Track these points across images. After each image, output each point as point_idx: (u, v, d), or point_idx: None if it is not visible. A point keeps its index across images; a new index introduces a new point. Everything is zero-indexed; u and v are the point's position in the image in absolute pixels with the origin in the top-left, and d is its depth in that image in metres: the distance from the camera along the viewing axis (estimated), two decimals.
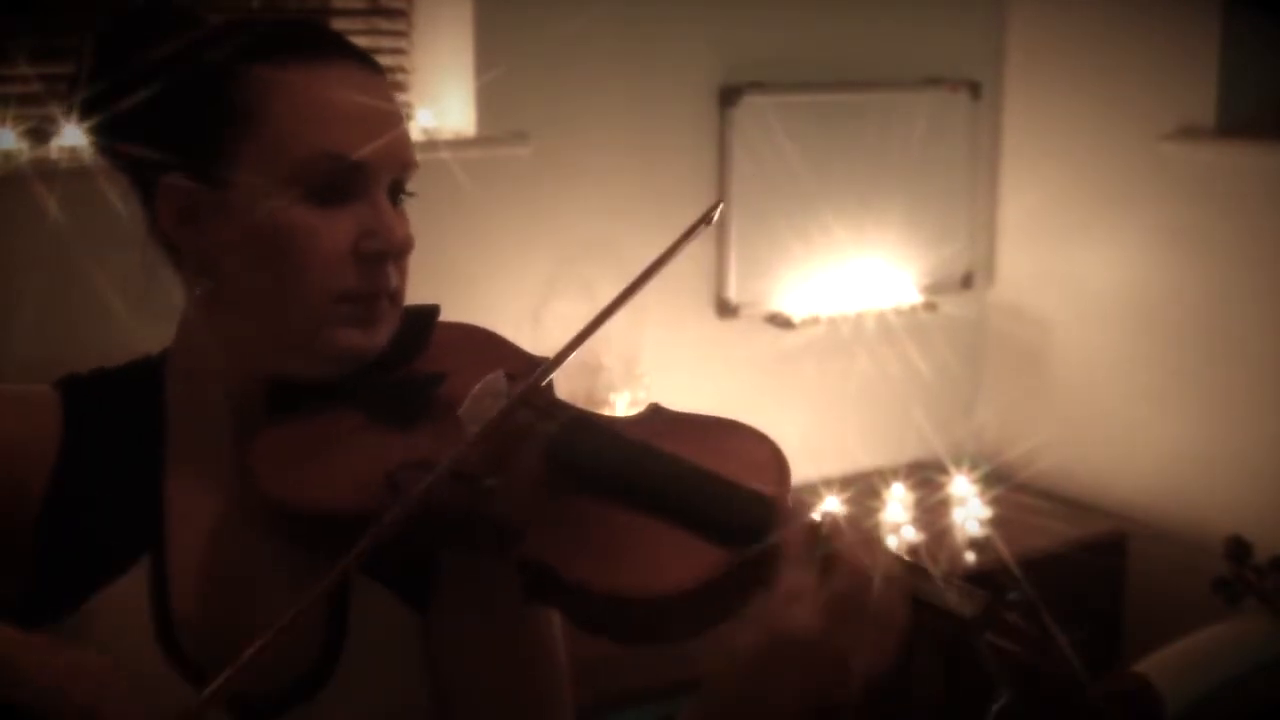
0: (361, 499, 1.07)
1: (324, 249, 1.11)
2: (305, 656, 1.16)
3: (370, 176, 1.13)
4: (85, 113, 1.16)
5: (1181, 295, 3.38)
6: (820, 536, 1.03)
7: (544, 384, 1.15)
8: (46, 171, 2.46)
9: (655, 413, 1.18)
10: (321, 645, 1.16)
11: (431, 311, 1.21)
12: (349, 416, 1.14)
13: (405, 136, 1.16)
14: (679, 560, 1.03)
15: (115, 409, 1.20)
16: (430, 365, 1.18)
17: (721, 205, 1.23)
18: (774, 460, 1.11)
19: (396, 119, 1.16)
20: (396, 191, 1.16)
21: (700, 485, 1.07)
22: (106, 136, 1.16)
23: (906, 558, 1.05)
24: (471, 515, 1.07)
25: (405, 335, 1.18)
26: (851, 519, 1.05)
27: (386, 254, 1.13)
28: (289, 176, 1.10)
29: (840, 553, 1.01)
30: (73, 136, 2.50)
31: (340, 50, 1.15)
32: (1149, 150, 3.37)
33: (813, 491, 3.16)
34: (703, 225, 1.16)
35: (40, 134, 2.57)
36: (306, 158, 1.10)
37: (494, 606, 1.19)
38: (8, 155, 2.54)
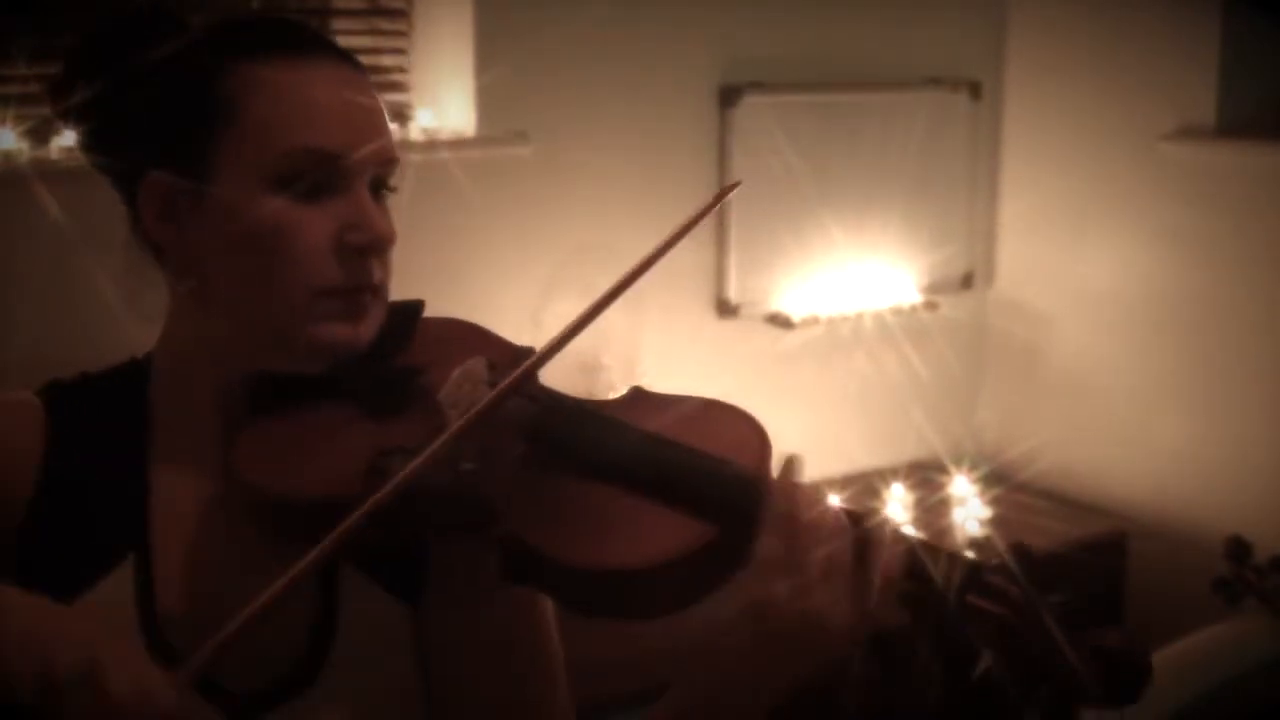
0: (343, 485, 1.06)
1: (305, 244, 1.11)
2: (290, 653, 1.15)
3: (352, 172, 1.13)
4: (67, 114, 1.18)
5: (1181, 295, 3.37)
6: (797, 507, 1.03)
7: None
8: (46, 171, 2.46)
9: (636, 394, 1.18)
10: (309, 642, 1.16)
11: (416, 306, 1.22)
12: (333, 409, 1.14)
13: (387, 132, 1.17)
14: (659, 533, 1.04)
15: (100, 412, 1.20)
16: (415, 358, 1.18)
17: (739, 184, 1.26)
18: (755, 435, 1.11)
19: (378, 115, 1.16)
20: (379, 187, 1.16)
21: (679, 460, 1.08)
22: (89, 138, 1.18)
23: (890, 526, 1.06)
24: (450, 497, 1.07)
25: (390, 330, 1.18)
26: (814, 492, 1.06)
27: (368, 248, 1.14)
28: (270, 172, 1.11)
29: (812, 520, 1.02)
30: (73, 137, 2.50)
31: (322, 48, 1.16)
32: (1149, 150, 3.36)
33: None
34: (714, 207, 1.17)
35: (40, 134, 2.57)
36: (286, 153, 1.11)
37: (484, 600, 1.19)
38: (8, 155, 2.54)
